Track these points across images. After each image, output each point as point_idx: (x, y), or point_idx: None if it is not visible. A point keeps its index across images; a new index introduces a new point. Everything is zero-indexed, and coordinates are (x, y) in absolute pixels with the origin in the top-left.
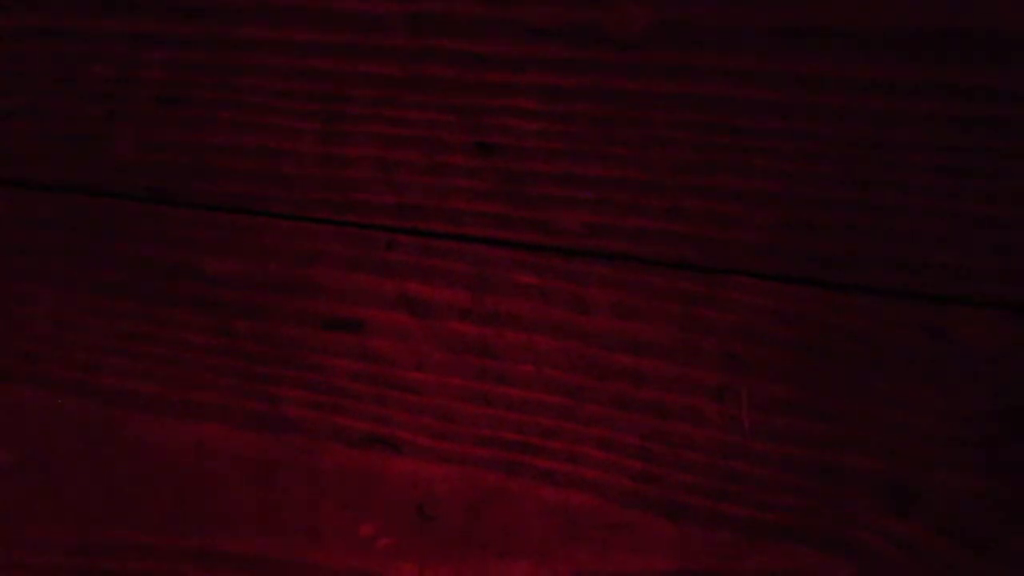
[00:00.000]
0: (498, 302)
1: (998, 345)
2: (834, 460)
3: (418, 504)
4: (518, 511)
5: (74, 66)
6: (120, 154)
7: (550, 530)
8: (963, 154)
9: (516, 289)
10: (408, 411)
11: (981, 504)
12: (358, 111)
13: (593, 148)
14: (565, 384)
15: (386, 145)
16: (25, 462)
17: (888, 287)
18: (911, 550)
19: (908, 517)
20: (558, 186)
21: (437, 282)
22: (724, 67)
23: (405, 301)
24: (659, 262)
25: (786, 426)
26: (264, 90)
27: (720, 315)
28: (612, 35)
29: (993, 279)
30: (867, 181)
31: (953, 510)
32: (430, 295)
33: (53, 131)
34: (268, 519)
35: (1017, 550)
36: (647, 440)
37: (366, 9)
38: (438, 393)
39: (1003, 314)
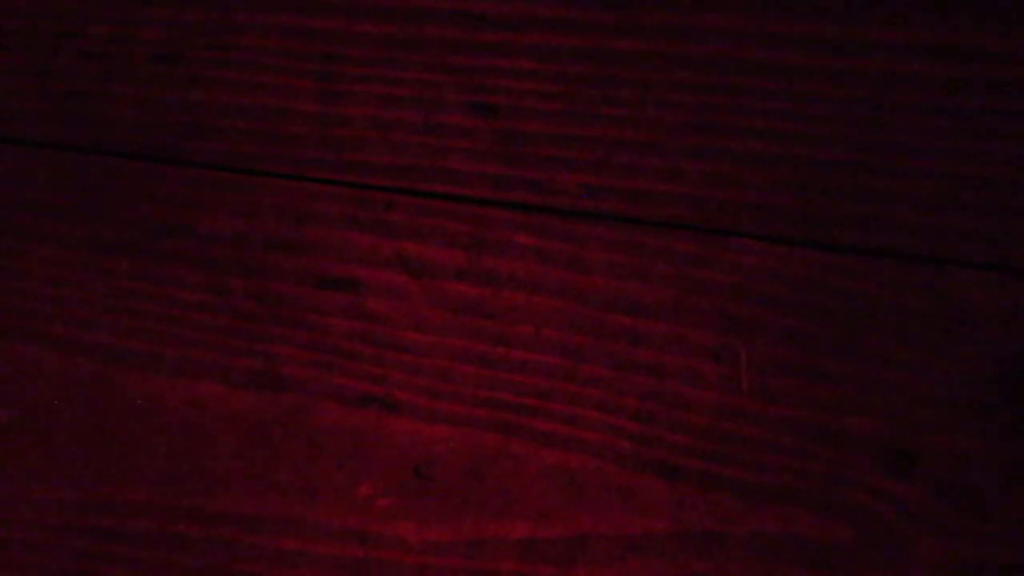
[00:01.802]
0: (496, 263)
1: (998, 308)
2: (833, 422)
3: (416, 464)
4: (516, 472)
5: (72, 25)
6: (117, 113)
7: (548, 491)
8: (962, 116)
9: (514, 250)
10: (405, 371)
11: (980, 467)
12: (356, 71)
13: (591, 109)
14: (563, 345)
15: (384, 105)
16: (22, 420)
17: (887, 249)
18: (909, 512)
19: (907, 479)
20: (556, 147)
21: (434, 242)
22: (723, 28)
23: (402, 261)
24: (657, 223)
25: (784, 387)
26: (261, 49)
27: (718, 276)
28: None
29: (993, 241)
30: (866, 143)
31: (952, 472)
32: (427, 255)
33: (50, 90)
34: (265, 478)
35: (1017, 513)
36: (645, 401)
37: None
38: (435, 353)
39: (1003, 276)
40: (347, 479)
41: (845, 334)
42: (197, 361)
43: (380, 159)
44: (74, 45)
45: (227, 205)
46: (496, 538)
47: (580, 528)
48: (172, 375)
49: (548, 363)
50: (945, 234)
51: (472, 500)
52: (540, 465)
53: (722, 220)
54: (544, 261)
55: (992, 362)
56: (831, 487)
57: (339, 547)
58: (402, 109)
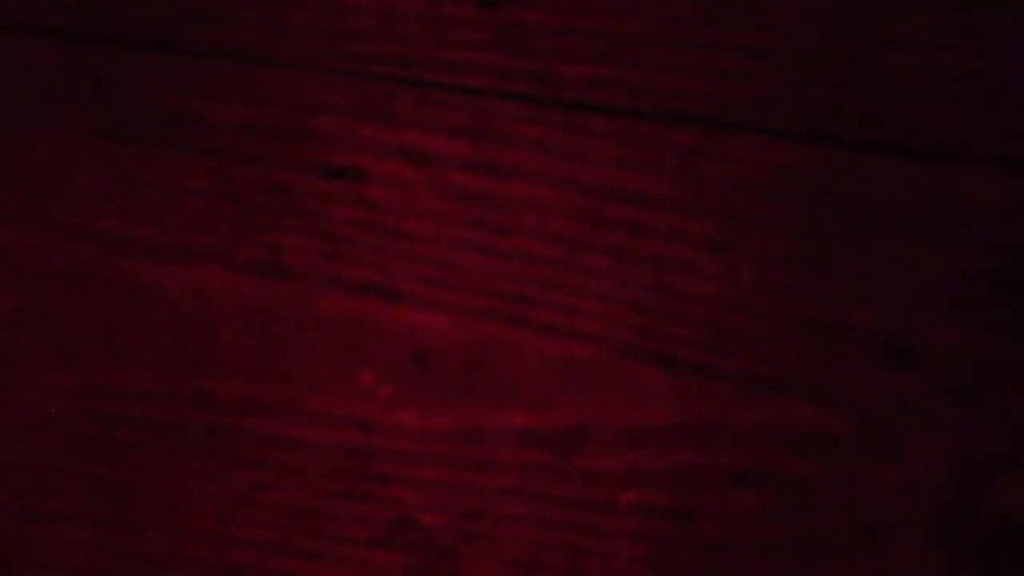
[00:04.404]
0: (499, 153)
1: (997, 203)
2: (832, 316)
3: (417, 353)
4: (517, 361)
5: None
6: (124, 0)
7: (548, 381)
8: (962, 9)
9: (517, 141)
10: (407, 260)
11: (979, 362)
12: None
13: (595, 1)
14: (565, 236)
15: None
16: (26, 306)
17: (887, 143)
18: (907, 406)
19: (905, 374)
20: (559, 39)
21: (438, 133)
22: None
23: (405, 151)
24: (660, 116)
25: (784, 281)
26: None
27: (720, 169)
28: None
29: (992, 136)
30: (868, 37)
31: (951, 367)
32: (430, 145)
33: None
34: (267, 365)
35: (1016, 407)
36: (646, 293)
37: None
38: (437, 243)
39: (1002, 171)
40: (348, 367)
41: (846, 229)
42: (200, 249)
43: (384, 49)
44: None
45: (232, 95)
46: (496, 427)
47: (580, 418)
48: (175, 263)
49: (549, 254)
50: (947, 129)
51: (472, 389)
52: (540, 355)
53: (725, 114)
54: (547, 152)
55: (991, 258)
56: (830, 380)
57: (339, 434)
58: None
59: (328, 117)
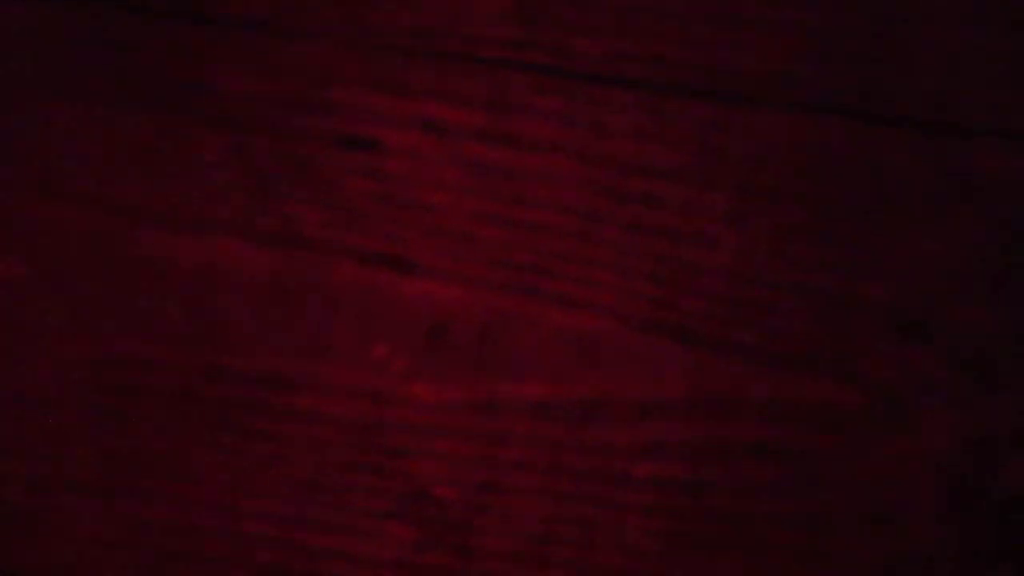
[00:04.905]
0: (515, 125)
1: (1014, 178)
2: (847, 289)
3: (431, 325)
4: (531, 334)
5: None
6: None
7: (562, 353)
8: None
9: (533, 112)
10: (422, 232)
11: (992, 336)
12: None
13: None
14: (581, 208)
15: None
16: (41, 276)
17: (904, 117)
18: (921, 381)
19: (919, 348)
20: (576, 10)
21: (454, 103)
22: None
23: (421, 121)
24: (677, 88)
25: (799, 254)
26: None
27: (736, 142)
28: None
29: (1010, 111)
30: (885, 11)
31: (964, 342)
32: (447, 116)
33: None
34: (280, 336)
35: None
36: (661, 265)
37: None
38: (453, 214)
39: (1020, 146)
40: (362, 339)
41: (862, 203)
42: (214, 219)
43: (400, 19)
44: None
45: (248, 65)
46: (510, 399)
47: (594, 391)
48: (189, 233)
49: (565, 226)
50: (965, 104)
51: (486, 361)
52: (555, 327)
53: (740, 87)
54: (563, 124)
55: (1008, 232)
56: (844, 354)
57: (353, 406)
58: None
59: (344, 88)
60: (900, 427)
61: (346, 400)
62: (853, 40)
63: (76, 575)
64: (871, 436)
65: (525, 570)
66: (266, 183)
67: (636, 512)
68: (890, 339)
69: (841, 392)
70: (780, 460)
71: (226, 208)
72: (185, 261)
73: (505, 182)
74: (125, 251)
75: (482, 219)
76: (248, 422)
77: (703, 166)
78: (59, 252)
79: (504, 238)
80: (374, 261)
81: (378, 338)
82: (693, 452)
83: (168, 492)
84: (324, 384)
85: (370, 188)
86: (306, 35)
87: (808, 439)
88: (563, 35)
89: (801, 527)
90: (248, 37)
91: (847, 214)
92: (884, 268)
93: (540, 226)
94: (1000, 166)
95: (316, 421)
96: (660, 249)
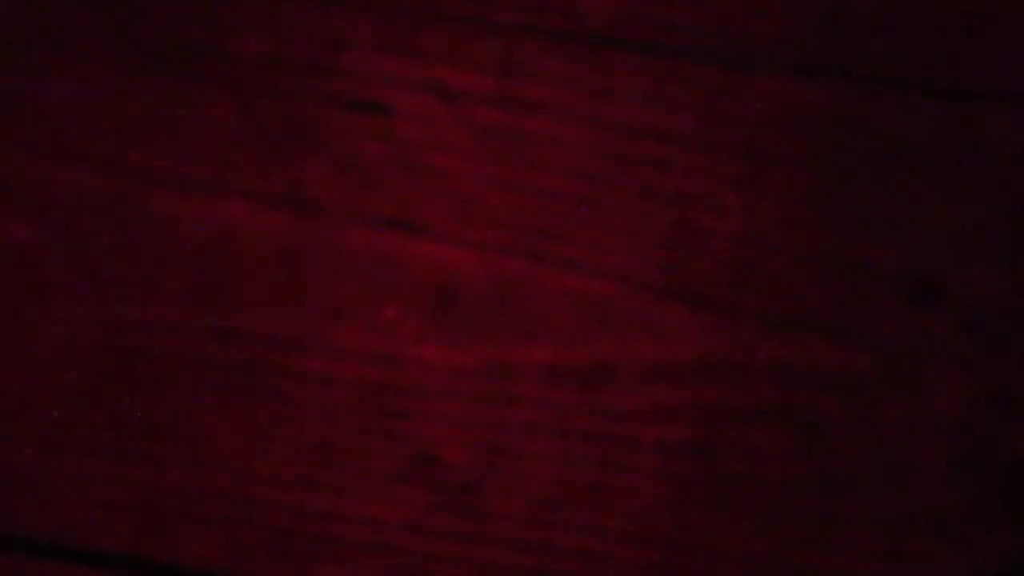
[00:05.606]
0: (525, 88)
1: (1022, 141)
2: (856, 253)
3: (441, 288)
4: (540, 297)
5: None
6: None
7: (572, 317)
8: None
9: (543, 76)
10: (432, 195)
11: (1002, 300)
12: None
13: None
14: (590, 172)
15: None
16: (51, 239)
17: (914, 82)
18: (931, 344)
19: (928, 311)
20: None
21: (465, 68)
22: None
23: (432, 85)
24: (685, 53)
25: (808, 218)
26: None
27: (743, 106)
28: None
29: (1019, 74)
30: None
31: (974, 305)
32: (457, 80)
33: None
34: (290, 299)
35: None
36: (669, 230)
37: None
38: (463, 178)
39: None
40: (372, 302)
41: (870, 166)
42: (225, 182)
43: None
44: None
45: (259, 28)
46: (519, 362)
47: (603, 354)
48: (200, 196)
49: (575, 190)
50: (972, 66)
51: (496, 325)
52: (564, 291)
53: (748, 51)
54: (572, 88)
55: (1017, 195)
56: (853, 317)
57: (363, 369)
58: None
59: (354, 51)
60: (910, 390)
61: (356, 363)
62: (859, 2)
63: (86, 538)
64: (881, 399)
65: (534, 533)
66: (277, 146)
67: (645, 475)
68: (900, 302)
69: (851, 356)
70: (789, 423)
71: (237, 171)
72: (196, 224)
73: (515, 146)
74: (136, 214)
75: (492, 183)
76: (258, 385)
77: (711, 130)
78: (69, 215)
79: (514, 202)
80: (384, 224)
81: (388, 301)
82: (703, 416)
83: (178, 455)
84: (334, 347)
85: (381, 152)
86: None
87: (817, 402)
88: (573, 0)
89: (810, 490)
90: (260, 0)
91: (855, 178)
92: (894, 231)
93: (550, 190)
94: (1009, 129)
95: (326, 384)
96: (669, 213)
